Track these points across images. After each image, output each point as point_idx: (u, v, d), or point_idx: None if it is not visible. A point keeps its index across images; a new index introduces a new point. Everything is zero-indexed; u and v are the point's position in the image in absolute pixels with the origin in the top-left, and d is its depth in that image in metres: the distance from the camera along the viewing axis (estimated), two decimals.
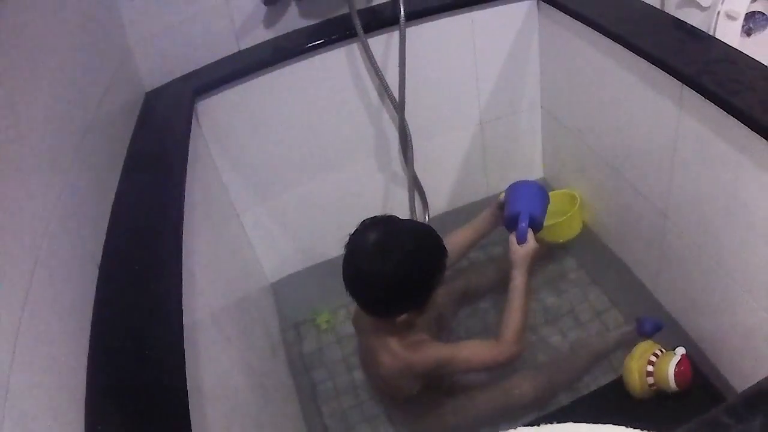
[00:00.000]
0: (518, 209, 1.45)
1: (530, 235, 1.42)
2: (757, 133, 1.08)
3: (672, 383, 1.33)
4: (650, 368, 1.36)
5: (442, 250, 1.34)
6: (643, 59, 1.31)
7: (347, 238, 1.32)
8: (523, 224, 1.42)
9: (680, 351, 1.37)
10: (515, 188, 1.52)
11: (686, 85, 1.22)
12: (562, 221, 1.75)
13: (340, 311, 1.88)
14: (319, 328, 1.86)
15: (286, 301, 1.95)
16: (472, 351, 1.39)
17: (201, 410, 0.87)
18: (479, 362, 1.39)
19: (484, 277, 1.80)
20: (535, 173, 2.11)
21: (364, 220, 1.34)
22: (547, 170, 2.10)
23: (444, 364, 1.38)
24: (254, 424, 1.16)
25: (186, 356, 0.83)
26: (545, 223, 1.63)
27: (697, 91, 1.19)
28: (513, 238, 1.43)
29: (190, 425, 0.74)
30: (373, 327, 1.43)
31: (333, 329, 1.85)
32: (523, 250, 1.41)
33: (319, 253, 2.00)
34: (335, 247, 1.95)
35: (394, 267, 1.25)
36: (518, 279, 1.41)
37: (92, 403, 0.79)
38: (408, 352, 1.37)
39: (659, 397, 1.39)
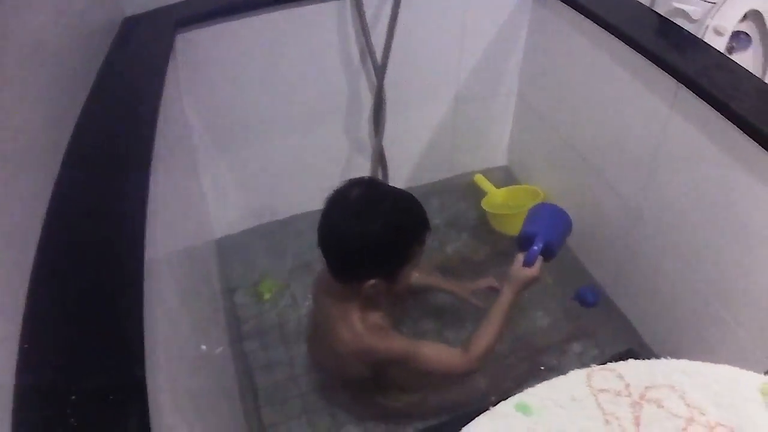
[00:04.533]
0: (536, 231, 1.37)
1: (538, 262, 1.34)
2: (750, 137, 1.09)
3: None
4: None
5: (423, 221, 1.27)
6: (640, 55, 1.30)
7: (330, 193, 1.24)
8: (536, 248, 1.33)
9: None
10: (542, 208, 1.49)
11: (683, 85, 1.21)
12: (516, 213, 1.69)
13: (285, 279, 1.79)
14: (261, 296, 1.76)
15: (229, 262, 1.85)
16: (437, 353, 1.33)
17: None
18: (440, 366, 1.33)
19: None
20: (499, 161, 2.10)
21: (349, 179, 1.26)
22: (512, 159, 2.09)
23: (407, 359, 1.31)
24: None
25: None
26: (502, 212, 1.65)
27: (695, 92, 1.18)
28: (521, 256, 1.34)
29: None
30: (335, 295, 1.33)
31: (274, 299, 1.75)
32: (525, 272, 1.33)
33: (270, 212, 1.93)
34: (287, 209, 1.92)
35: (370, 228, 1.19)
36: (506, 296, 1.33)
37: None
38: (372, 336, 1.30)
39: None
